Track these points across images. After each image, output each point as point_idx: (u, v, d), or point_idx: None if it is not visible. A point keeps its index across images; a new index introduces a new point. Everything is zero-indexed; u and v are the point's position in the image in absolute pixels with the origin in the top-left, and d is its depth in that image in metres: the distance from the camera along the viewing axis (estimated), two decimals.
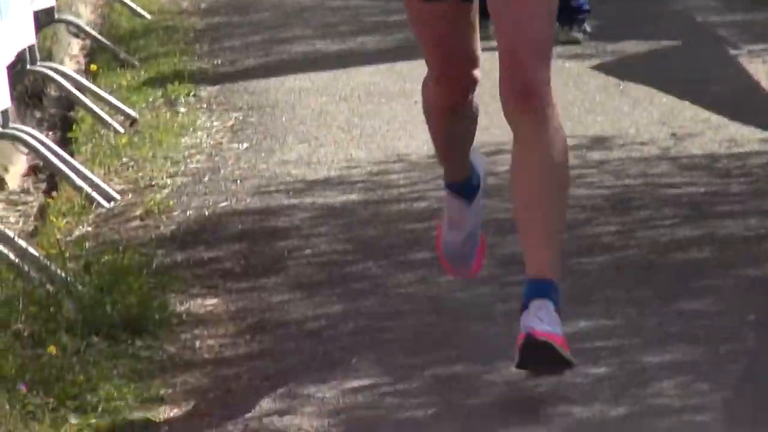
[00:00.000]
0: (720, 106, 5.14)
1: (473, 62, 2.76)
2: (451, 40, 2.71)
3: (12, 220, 3.87)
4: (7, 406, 2.69)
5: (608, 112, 5.10)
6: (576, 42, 6.31)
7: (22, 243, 3.47)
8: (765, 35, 6.24)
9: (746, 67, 5.86)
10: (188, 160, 4.78)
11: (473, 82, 2.81)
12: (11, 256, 3.34)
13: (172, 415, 2.70)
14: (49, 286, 3.24)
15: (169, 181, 4.19)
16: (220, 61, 6.56)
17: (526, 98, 2.39)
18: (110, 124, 4.79)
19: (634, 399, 2.57)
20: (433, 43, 2.75)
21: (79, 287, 3.25)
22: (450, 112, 2.84)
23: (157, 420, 2.63)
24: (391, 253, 3.63)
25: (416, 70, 4.45)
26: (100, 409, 2.65)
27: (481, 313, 3.19)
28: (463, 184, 2.95)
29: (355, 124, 5.43)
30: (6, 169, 4.22)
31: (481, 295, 3.16)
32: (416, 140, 4.88)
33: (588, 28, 6.45)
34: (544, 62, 2.46)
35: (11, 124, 4.22)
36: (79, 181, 4.09)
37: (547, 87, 2.43)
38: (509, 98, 2.40)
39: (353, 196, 4.22)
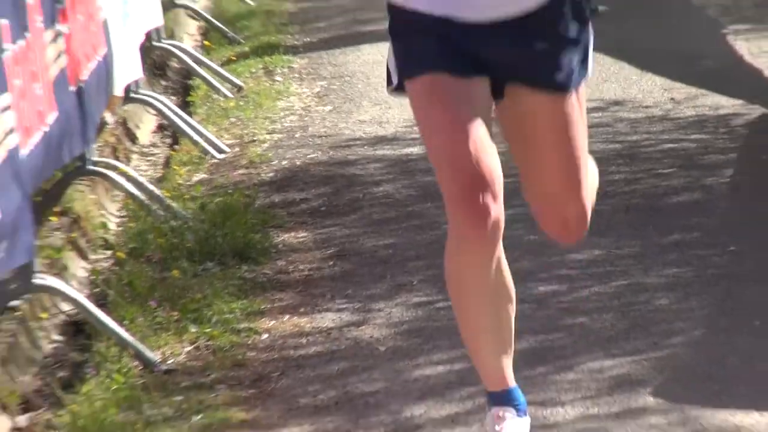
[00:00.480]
0: (710, 76, 5.01)
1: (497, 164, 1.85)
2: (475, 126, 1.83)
3: (143, 168, 3.89)
4: (141, 318, 2.74)
5: (620, 80, 4.96)
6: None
7: (151, 187, 3.50)
8: (747, 17, 6.18)
9: (732, 44, 5.75)
10: (283, 120, 4.74)
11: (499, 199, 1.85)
12: (143, 197, 3.36)
13: (270, 325, 2.70)
14: (172, 222, 3.26)
15: (267, 137, 4.12)
16: (309, 39, 6.52)
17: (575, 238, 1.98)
18: (221, 90, 4.77)
19: (637, 312, 2.67)
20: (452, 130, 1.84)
21: (197, 223, 3.23)
22: (487, 257, 1.86)
23: (259, 330, 2.64)
24: None
25: None
26: (213, 320, 2.66)
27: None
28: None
29: None
30: (138, 127, 4.25)
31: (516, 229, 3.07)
32: None
33: (600, 8, 6.28)
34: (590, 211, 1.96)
35: (142, 91, 4.22)
36: (196, 137, 4.07)
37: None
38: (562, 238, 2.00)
39: (415, 150, 4.16)
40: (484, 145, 1.77)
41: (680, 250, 3.18)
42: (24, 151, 2.36)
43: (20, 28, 2.50)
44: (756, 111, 4.55)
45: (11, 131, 2.30)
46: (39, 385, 2.31)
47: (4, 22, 2.37)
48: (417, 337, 2.60)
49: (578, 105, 1.84)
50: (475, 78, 1.78)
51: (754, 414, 2.08)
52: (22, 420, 2.15)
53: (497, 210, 1.75)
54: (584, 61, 1.84)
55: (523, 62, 1.78)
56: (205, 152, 3.95)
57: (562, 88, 1.79)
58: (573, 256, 3.08)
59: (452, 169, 1.80)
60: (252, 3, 6.80)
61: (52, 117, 2.66)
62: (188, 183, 3.78)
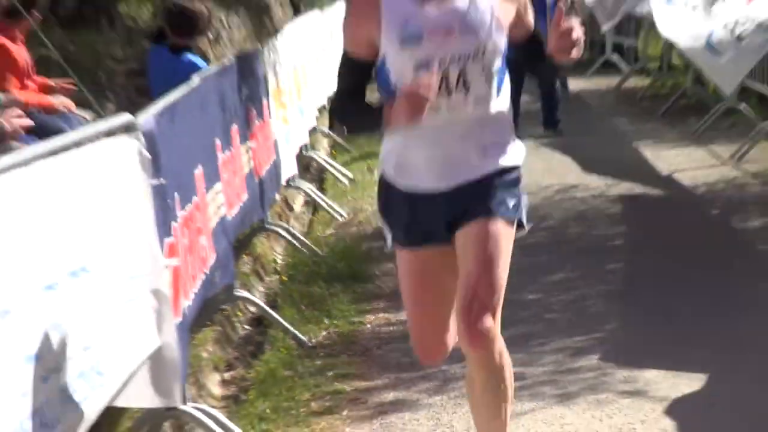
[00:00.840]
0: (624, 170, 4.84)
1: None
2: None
3: (297, 226, 4.07)
4: (296, 316, 2.89)
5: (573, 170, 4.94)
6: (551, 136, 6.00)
7: (302, 238, 3.72)
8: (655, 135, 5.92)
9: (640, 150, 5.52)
10: None
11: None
12: (297, 244, 3.58)
13: (371, 318, 2.86)
14: (314, 258, 3.47)
15: (369, 207, 4.16)
16: None
17: (482, 339, 1.46)
18: (341, 180, 4.93)
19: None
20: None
21: (328, 259, 3.48)
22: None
23: (365, 321, 2.81)
24: None
25: None
26: (338, 316, 2.84)
27: None
28: None
29: None
30: (294, 202, 4.47)
31: None
32: None
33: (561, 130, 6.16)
34: (497, 307, 1.49)
35: (297, 182, 4.40)
36: (327, 208, 4.25)
37: (496, 325, 1.48)
38: (466, 334, 1.47)
39: None
40: (444, 326, 1.60)
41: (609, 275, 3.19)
42: (229, 217, 2.55)
43: (226, 144, 2.71)
44: (653, 192, 4.55)
45: (222, 205, 2.48)
46: (236, 355, 2.46)
47: (218, 141, 2.56)
48: None
49: (507, 233, 1.51)
50: (443, 244, 1.54)
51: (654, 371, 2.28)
52: (227, 375, 2.30)
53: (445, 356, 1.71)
54: (517, 207, 1.55)
55: (472, 207, 1.51)
56: (333, 217, 4.08)
57: (496, 213, 1.49)
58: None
59: (416, 339, 1.66)
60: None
61: (244, 197, 2.89)
62: (323, 235, 4.00)
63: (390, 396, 2.18)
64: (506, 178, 1.51)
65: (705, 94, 6.48)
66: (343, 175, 4.89)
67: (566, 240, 3.53)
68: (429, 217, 1.49)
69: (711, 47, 5.29)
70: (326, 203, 4.23)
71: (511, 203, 1.51)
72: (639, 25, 8.18)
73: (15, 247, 1.09)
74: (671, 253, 3.22)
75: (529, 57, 1.57)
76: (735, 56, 5.00)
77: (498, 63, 1.46)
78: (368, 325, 2.71)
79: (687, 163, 4.78)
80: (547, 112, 5.82)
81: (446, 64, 1.40)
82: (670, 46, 6.75)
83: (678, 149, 5.17)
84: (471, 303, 1.43)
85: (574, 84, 7.46)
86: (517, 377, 1.69)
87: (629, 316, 2.64)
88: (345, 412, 2.10)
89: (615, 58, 8.59)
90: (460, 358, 1.72)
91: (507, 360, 1.49)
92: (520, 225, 1.55)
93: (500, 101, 1.51)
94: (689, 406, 2.02)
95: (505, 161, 1.52)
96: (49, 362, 1.19)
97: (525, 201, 1.57)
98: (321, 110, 5.22)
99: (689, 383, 2.10)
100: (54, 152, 1.34)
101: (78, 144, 1.49)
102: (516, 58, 1.55)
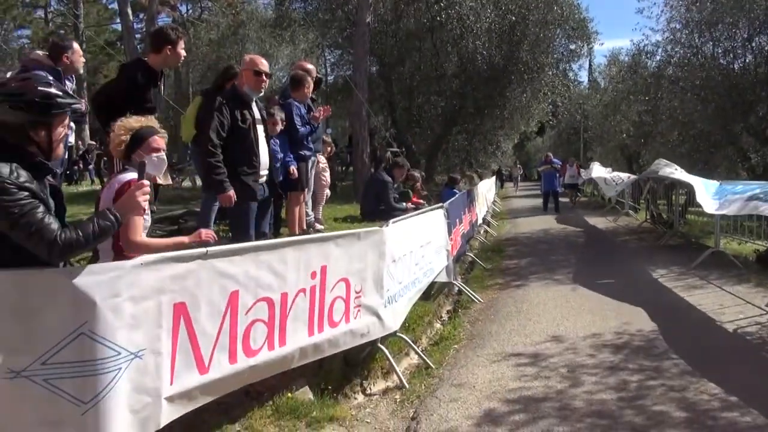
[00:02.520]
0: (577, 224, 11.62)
1: None
2: None
3: (483, 237, 10.18)
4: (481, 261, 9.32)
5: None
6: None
7: (485, 240, 9.84)
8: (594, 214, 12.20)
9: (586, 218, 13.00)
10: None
11: None
12: (485, 240, 9.79)
13: (502, 263, 8.96)
14: (485, 245, 9.58)
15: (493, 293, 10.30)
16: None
17: None
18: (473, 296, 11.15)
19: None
20: None
21: (490, 245, 9.51)
22: None
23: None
24: None
25: None
26: (495, 262, 9.18)
27: None
28: None
29: None
30: (480, 231, 10.61)
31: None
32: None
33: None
34: None
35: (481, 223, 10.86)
36: (492, 231, 10.46)
37: None
38: None
39: None
40: None
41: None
42: (465, 231, 8.74)
43: (465, 213, 8.99)
44: (586, 230, 10.63)
45: (463, 229, 8.67)
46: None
47: (462, 212, 8.85)
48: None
49: None
50: None
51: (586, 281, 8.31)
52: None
53: None
54: None
55: None
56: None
57: None
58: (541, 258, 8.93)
59: None
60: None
61: (469, 226, 9.14)
62: (492, 238, 10.02)
63: (513, 283, 8.14)
64: None
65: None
66: (494, 223, 11.51)
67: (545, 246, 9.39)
68: None
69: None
70: (490, 231, 10.72)
71: None
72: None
73: (415, 234, 7.10)
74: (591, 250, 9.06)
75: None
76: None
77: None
78: (503, 264, 8.91)
79: (603, 223, 11.02)
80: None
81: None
82: None
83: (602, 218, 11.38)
84: None
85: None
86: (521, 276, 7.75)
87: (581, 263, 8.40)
88: (498, 288, 8.11)
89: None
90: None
91: None
92: None
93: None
94: (591, 286, 7.56)
95: None
96: (422, 266, 7.07)
97: None
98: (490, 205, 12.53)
99: (603, 284, 7.62)
100: (421, 213, 7.43)
101: (429, 211, 7.59)
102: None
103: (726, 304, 6.60)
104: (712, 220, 10.24)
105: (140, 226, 2.90)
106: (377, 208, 8.58)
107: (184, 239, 3.05)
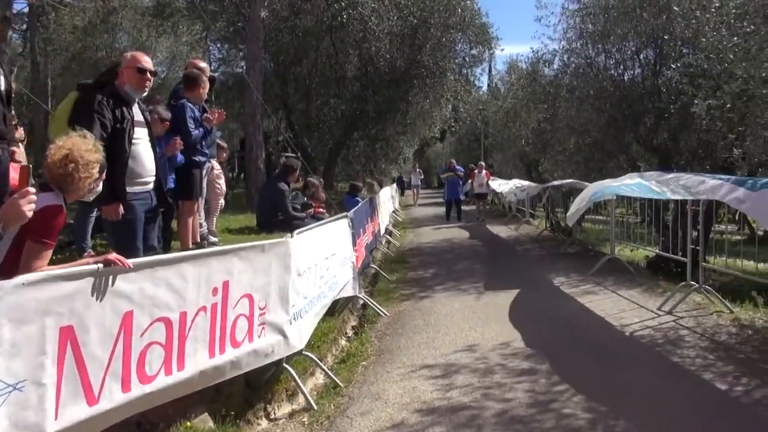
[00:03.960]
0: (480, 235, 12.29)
1: None
2: None
3: (386, 247, 10.48)
4: (384, 272, 9.54)
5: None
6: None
7: (388, 251, 10.08)
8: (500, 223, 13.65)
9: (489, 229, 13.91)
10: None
11: None
12: (388, 251, 10.05)
13: (410, 273, 9.28)
14: (389, 256, 9.87)
15: (406, 241, 10.78)
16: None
17: None
18: (398, 234, 11.50)
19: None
20: None
21: (394, 256, 9.84)
22: None
23: (407, 274, 9.26)
24: None
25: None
26: (400, 272, 9.47)
27: None
28: None
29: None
30: (382, 239, 10.90)
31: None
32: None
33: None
34: None
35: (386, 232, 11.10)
36: (395, 240, 10.76)
37: None
38: None
39: None
40: None
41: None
42: (369, 242, 8.93)
43: (368, 222, 9.17)
44: (492, 240, 11.75)
45: (367, 238, 8.84)
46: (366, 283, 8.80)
47: (366, 220, 9.01)
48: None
49: None
50: None
51: (502, 289, 8.90)
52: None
53: None
54: None
55: None
56: (394, 243, 10.61)
57: None
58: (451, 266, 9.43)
59: None
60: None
61: (372, 236, 9.34)
62: (395, 247, 10.36)
63: (419, 294, 8.33)
64: None
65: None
66: (396, 233, 12.36)
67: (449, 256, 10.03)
68: None
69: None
70: (393, 241, 11.24)
71: None
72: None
73: (319, 246, 7.18)
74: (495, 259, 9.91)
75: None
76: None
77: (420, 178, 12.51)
78: (408, 275, 9.25)
79: (506, 231, 12.84)
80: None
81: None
82: None
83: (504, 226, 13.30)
84: None
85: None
86: (427, 287, 8.17)
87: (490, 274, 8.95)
88: (404, 299, 8.14)
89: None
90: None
91: None
92: None
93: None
94: (497, 296, 8.02)
95: None
96: (327, 279, 7.09)
97: None
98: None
99: (508, 293, 8.11)
100: (326, 223, 7.47)
101: (333, 221, 7.70)
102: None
103: (622, 308, 7.29)
104: (608, 227, 11.26)
105: (47, 257, 2.76)
106: (275, 218, 8.53)
107: (89, 261, 2.89)
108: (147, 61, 4.62)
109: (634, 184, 8.06)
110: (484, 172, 20.26)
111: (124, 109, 4.49)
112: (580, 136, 14.18)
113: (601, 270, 9.64)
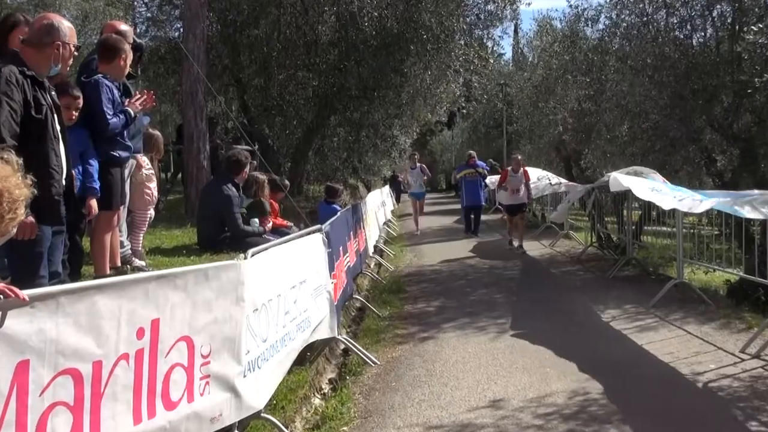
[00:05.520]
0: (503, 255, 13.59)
1: None
2: None
3: (374, 270, 10.70)
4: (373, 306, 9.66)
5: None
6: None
7: (377, 276, 10.28)
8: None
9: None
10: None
11: None
12: (376, 276, 10.29)
13: (407, 306, 9.38)
14: (383, 282, 10.04)
15: (402, 264, 11.37)
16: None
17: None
18: (389, 254, 11.89)
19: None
20: None
21: (388, 283, 10.00)
22: None
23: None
24: None
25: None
26: (395, 306, 9.70)
27: None
28: None
29: None
30: (370, 263, 11.09)
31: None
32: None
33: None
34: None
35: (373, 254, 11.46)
36: (386, 264, 11.04)
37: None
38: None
39: None
40: None
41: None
42: (351, 265, 8.97)
43: (350, 238, 9.21)
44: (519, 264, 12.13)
45: (349, 261, 8.87)
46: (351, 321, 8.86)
47: (347, 236, 9.03)
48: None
49: None
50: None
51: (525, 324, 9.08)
52: (348, 329, 8.60)
53: None
54: None
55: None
56: (387, 268, 10.81)
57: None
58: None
59: None
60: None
61: (356, 259, 9.42)
62: (386, 273, 10.54)
63: (420, 335, 8.36)
64: None
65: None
66: (390, 253, 13.51)
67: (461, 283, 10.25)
68: None
69: None
70: (384, 263, 11.87)
71: None
72: None
73: (283, 271, 7.17)
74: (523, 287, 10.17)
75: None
76: None
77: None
78: (405, 309, 9.48)
79: (537, 248, 14.40)
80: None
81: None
82: None
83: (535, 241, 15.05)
84: None
85: None
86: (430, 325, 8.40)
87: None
88: (400, 342, 8.16)
89: None
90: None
91: None
92: None
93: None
94: (526, 336, 8.09)
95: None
96: (294, 315, 7.07)
97: None
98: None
99: (541, 333, 8.19)
100: (292, 240, 7.47)
101: (302, 237, 7.72)
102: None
103: (693, 350, 7.37)
104: (674, 242, 11.22)
105: None
106: (222, 234, 8.46)
107: None
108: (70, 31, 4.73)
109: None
110: (521, 170, 16.95)
111: (39, 90, 4.48)
112: (634, 120, 14.19)
113: (666, 299, 9.72)
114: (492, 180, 23.07)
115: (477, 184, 19.69)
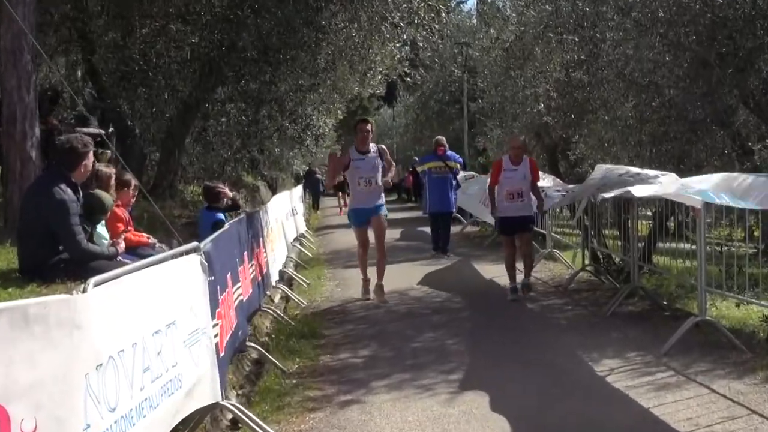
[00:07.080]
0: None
1: None
2: None
3: (277, 309, 10.79)
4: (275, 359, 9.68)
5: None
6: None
7: (281, 314, 10.41)
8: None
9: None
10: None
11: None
12: (278, 317, 10.42)
13: (324, 357, 9.54)
14: (289, 326, 10.12)
15: (319, 298, 11.71)
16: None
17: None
18: (303, 284, 12.16)
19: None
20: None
21: (297, 326, 10.13)
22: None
23: (320, 359, 9.56)
24: None
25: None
26: (304, 357, 9.79)
27: None
28: None
29: None
30: (274, 296, 11.21)
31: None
32: None
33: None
34: None
35: (276, 284, 11.67)
36: (295, 298, 11.14)
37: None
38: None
39: None
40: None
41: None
42: (244, 300, 8.99)
43: (242, 262, 9.23)
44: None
45: (240, 294, 8.85)
46: (245, 379, 8.84)
47: (238, 260, 9.02)
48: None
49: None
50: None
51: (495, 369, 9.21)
52: (240, 391, 8.54)
53: None
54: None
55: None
56: (298, 304, 11.09)
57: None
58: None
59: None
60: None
61: (251, 291, 9.47)
62: (293, 314, 10.69)
63: (340, 398, 8.28)
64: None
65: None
66: (304, 281, 13.82)
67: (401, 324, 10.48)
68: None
69: None
70: (294, 296, 12.25)
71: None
72: None
73: (142, 309, 7.02)
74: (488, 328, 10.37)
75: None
76: None
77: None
78: (321, 361, 9.35)
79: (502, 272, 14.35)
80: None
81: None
82: None
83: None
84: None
85: None
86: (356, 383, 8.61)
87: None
88: (312, 408, 8.08)
89: None
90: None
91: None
92: None
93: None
94: (491, 398, 8.12)
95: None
96: (158, 372, 6.92)
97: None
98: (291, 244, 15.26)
99: (510, 393, 8.25)
100: (153, 264, 7.26)
101: (172, 258, 7.57)
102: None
103: (720, 417, 7.35)
104: (695, 264, 10.92)
105: None
106: (54, 256, 8.06)
107: None
108: None
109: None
110: (528, 160, 15.13)
111: None
112: (641, 95, 14.07)
113: (684, 344, 9.73)
114: (464, 176, 23.01)
115: (447, 182, 19.55)
